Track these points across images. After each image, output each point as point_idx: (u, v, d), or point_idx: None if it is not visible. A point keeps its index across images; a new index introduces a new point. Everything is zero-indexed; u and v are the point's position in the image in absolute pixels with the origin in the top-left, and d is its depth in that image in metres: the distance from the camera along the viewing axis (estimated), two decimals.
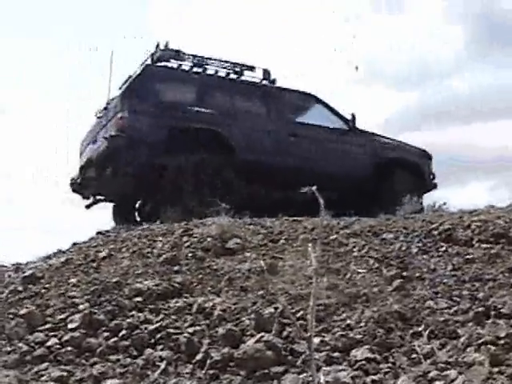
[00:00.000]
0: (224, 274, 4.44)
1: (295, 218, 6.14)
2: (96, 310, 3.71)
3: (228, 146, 7.26)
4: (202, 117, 7.29)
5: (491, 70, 36.75)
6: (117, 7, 31.38)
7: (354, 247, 4.97)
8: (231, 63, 8.23)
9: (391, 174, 8.45)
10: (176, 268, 4.61)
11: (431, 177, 9.14)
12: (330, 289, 3.98)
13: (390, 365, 3.00)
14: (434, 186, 9.16)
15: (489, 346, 2.97)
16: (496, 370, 2.76)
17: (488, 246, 4.81)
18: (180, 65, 7.92)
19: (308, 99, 8.67)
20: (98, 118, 7.76)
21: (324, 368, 2.94)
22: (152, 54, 7.77)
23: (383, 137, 8.91)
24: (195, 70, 7.98)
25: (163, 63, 7.83)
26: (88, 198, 8.08)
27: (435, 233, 5.25)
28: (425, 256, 4.76)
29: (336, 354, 3.11)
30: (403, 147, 9.07)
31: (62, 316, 3.70)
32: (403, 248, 4.93)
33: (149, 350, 3.28)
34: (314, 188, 2.35)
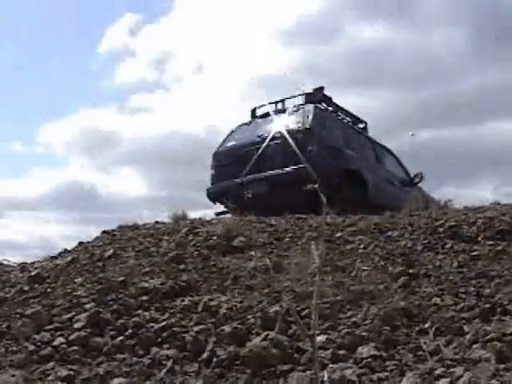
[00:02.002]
0: (229, 272, 4.44)
1: (300, 216, 6.14)
2: (102, 309, 3.72)
3: (364, 184, 8.52)
4: (352, 160, 8.64)
5: (496, 69, 36.65)
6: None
7: (360, 245, 4.97)
8: (352, 115, 9.75)
9: None
10: (181, 266, 4.62)
11: None
12: (336, 286, 3.98)
13: (395, 362, 2.99)
14: None
15: (495, 342, 2.96)
16: (502, 366, 2.76)
17: (493, 242, 4.80)
18: (326, 108, 9.16)
19: (387, 151, 10.26)
20: (260, 141, 8.48)
21: (330, 366, 2.93)
22: (308, 94, 8.97)
23: (424, 190, 10.22)
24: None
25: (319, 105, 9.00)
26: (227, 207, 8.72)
27: (440, 230, 5.24)
28: (430, 253, 4.75)
29: (342, 352, 3.10)
30: (435, 201, 10.43)
31: (68, 315, 3.71)
32: (408, 245, 4.92)
33: (155, 349, 3.29)
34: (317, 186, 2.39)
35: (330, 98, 9.21)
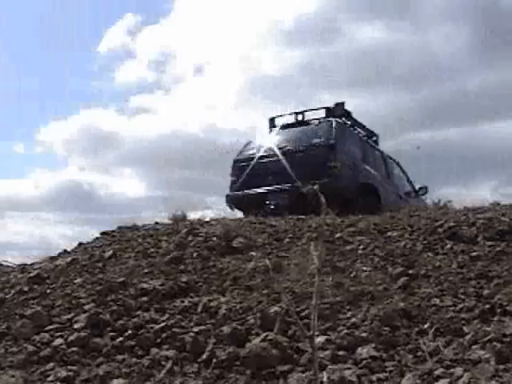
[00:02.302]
0: (229, 273, 4.44)
1: (300, 217, 6.13)
2: (102, 310, 3.72)
3: (378, 195, 8.97)
4: (368, 174, 9.05)
5: (496, 69, 36.67)
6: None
7: (359, 245, 4.96)
8: (366, 128, 9.99)
9: None
10: (181, 267, 4.62)
11: None
12: (336, 287, 3.98)
13: (395, 363, 2.99)
14: None
15: (494, 343, 2.96)
16: (502, 367, 2.76)
17: (493, 243, 4.79)
18: (345, 123, 9.44)
19: (395, 164, 10.64)
20: (282, 152, 8.61)
21: (329, 366, 2.94)
22: (329, 109, 9.20)
23: (426, 202, 10.40)
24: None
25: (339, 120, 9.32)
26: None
27: (440, 230, 5.24)
28: (430, 254, 4.74)
29: (341, 353, 3.11)
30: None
31: (68, 316, 3.71)
32: (408, 246, 4.92)
33: (154, 350, 3.29)
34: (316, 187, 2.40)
35: (349, 113, 9.47)
